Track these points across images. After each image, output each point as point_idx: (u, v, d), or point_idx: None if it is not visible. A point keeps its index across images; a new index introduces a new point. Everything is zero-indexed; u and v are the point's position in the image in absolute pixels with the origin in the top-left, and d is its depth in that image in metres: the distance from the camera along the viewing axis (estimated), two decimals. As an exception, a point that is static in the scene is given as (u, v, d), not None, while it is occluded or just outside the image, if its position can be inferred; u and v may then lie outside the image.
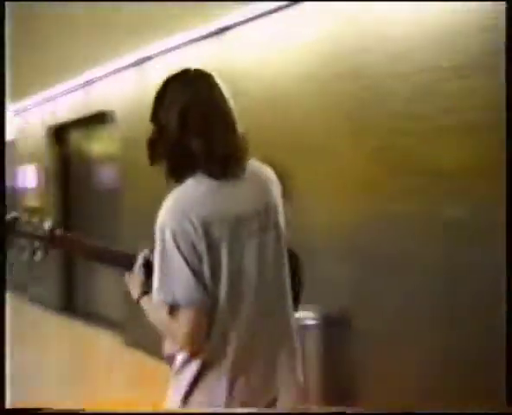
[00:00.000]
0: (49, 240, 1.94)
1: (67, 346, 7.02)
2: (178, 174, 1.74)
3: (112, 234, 6.37)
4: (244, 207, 1.75)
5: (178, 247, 1.63)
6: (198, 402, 1.73)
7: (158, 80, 1.79)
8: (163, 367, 1.87)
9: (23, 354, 5.80)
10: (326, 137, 4.07)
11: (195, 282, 1.63)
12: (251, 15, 4.49)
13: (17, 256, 1.93)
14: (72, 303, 8.08)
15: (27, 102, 8.33)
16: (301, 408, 1.95)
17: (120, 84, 6.29)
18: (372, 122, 3.78)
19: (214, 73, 1.82)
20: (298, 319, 1.98)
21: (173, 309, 1.65)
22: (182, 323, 1.64)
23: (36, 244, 1.94)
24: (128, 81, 6.14)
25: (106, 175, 7.32)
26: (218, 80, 1.81)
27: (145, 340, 5.87)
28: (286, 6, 4.24)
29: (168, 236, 1.64)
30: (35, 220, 1.97)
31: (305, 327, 3.87)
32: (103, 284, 7.37)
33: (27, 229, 1.94)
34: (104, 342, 6.72)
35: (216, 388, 1.71)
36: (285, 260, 1.86)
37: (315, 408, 3.76)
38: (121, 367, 5.91)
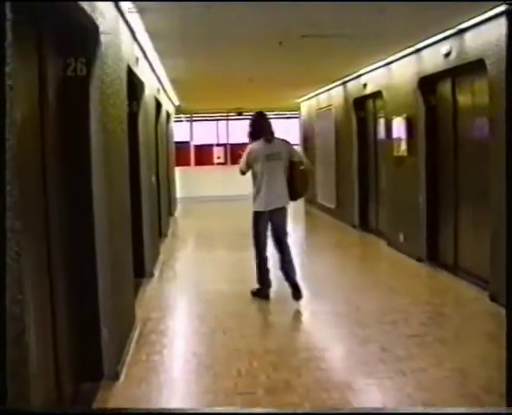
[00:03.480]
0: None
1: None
2: (255, 140, 6.92)
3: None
4: (269, 151, 6.82)
5: (248, 157, 6.90)
6: (257, 204, 6.87)
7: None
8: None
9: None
10: None
11: (248, 166, 6.93)
12: None
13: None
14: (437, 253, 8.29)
15: (396, 55, 8.64)
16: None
17: (491, 32, 6.07)
18: None
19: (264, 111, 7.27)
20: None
21: (242, 169, 7.10)
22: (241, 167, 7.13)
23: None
24: (500, 29, 5.88)
25: (474, 126, 7.21)
26: (267, 113, 7.25)
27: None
28: None
29: (245, 155, 6.98)
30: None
31: None
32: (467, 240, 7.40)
33: None
34: (468, 295, 6.81)
35: (258, 199, 6.84)
36: (284, 169, 6.86)
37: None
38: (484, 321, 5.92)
